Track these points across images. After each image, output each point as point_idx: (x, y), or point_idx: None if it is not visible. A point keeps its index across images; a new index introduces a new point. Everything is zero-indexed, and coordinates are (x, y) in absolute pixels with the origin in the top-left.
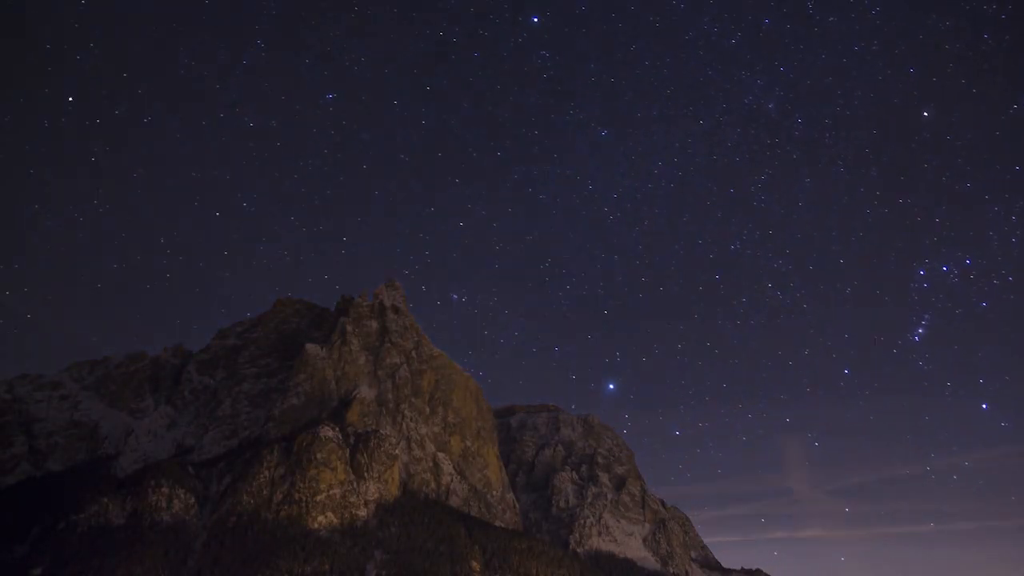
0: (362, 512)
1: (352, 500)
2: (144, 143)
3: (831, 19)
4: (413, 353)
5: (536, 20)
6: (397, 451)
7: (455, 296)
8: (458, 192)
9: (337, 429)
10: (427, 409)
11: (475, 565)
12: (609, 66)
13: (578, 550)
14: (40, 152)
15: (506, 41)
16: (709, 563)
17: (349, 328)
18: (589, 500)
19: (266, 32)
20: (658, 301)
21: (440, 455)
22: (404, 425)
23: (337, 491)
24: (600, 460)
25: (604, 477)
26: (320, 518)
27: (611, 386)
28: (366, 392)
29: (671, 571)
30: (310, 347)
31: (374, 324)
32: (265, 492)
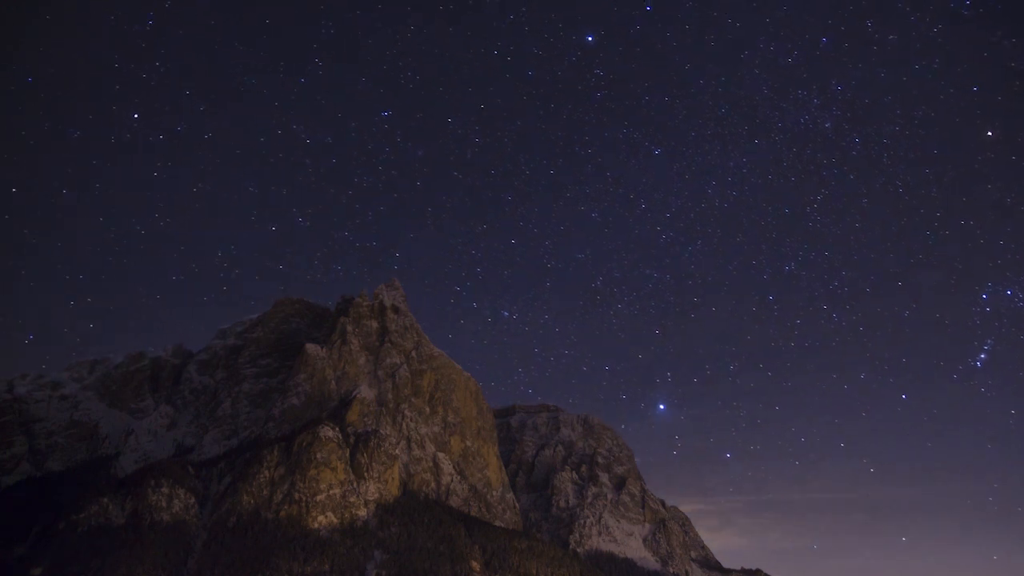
0: (362, 512)
1: (352, 500)
2: (204, 159)
3: (891, 37)
4: (413, 353)
5: (591, 39)
6: (397, 451)
7: (506, 313)
8: (511, 209)
9: (337, 429)
10: (427, 409)
11: (475, 565)
12: (663, 85)
13: (578, 550)
14: (106, 167)
15: (560, 60)
16: (709, 563)
17: (349, 328)
18: (589, 500)
19: (323, 50)
20: (710, 322)
21: (440, 455)
22: (404, 425)
23: (337, 491)
24: (600, 460)
25: (604, 477)
26: (320, 518)
27: (662, 407)
28: (366, 392)
29: (671, 571)
30: (310, 347)
31: (374, 324)
32: (265, 492)
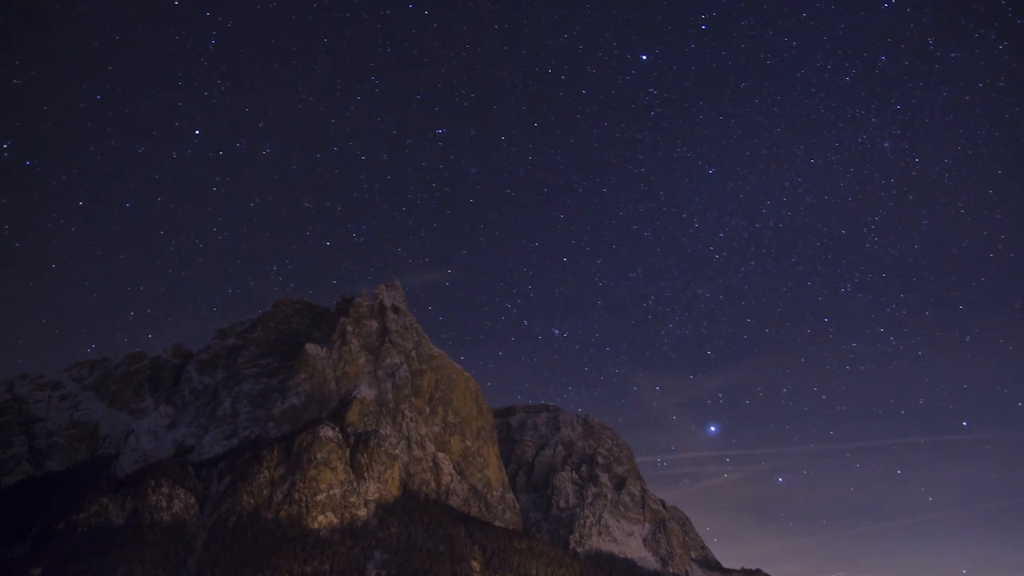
0: (362, 512)
1: (352, 500)
2: (262, 174)
3: (953, 55)
4: (413, 353)
5: (645, 57)
6: (397, 451)
7: (556, 331)
8: (563, 227)
9: (337, 429)
10: (427, 409)
11: (475, 565)
12: (718, 103)
13: (578, 550)
14: (167, 181)
15: (614, 78)
16: (709, 563)
17: (349, 328)
18: (589, 500)
19: (380, 68)
20: (763, 343)
21: (440, 455)
22: (404, 425)
23: (337, 491)
24: (600, 460)
25: (604, 477)
26: (320, 518)
27: (713, 429)
28: (366, 392)
29: (671, 571)
30: (310, 347)
31: (374, 324)
32: (265, 492)
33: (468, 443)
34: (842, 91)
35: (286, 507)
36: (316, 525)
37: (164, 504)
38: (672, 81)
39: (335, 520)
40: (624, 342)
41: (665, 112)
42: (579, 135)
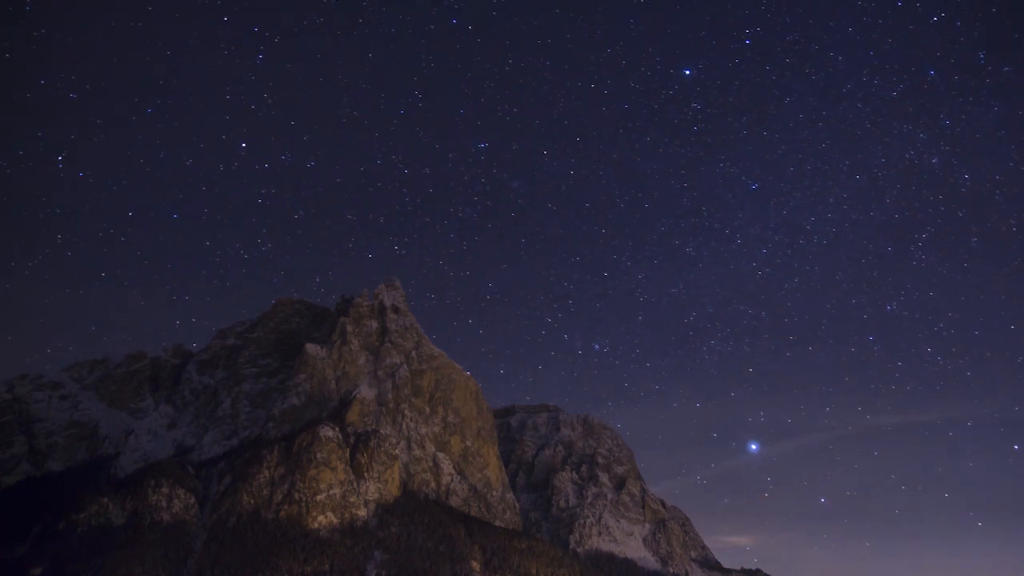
0: (362, 512)
1: (352, 500)
2: (306, 187)
3: (1005, 69)
4: (413, 353)
5: (688, 72)
6: (397, 451)
7: (596, 346)
8: (604, 242)
9: (337, 429)
10: (427, 409)
11: (475, 565)
12: (762, 119)
13: (578, 550)
14: (214, 193)
15: (657, 93)
16: (709, 563)
17: (349, 328)
18: (589, 500)
19: (423, 83)
20: (806, 361)
21: (440, 455)
22: (404, 425)
23: (337, 491)
24: (600, 460)
25: (604, 477)
26: (320, 518)
27: (754, 447)
28: (366, 392)
29: (671, 571)
30: (310, 347)
31: (374, 324)
32: (265, 492)
33: (468, 443)
34: (889, 106)
35: (286, 507)
36: (316, 525)
37: (164, 504)
38: (715, 96)
39: (335, 520)
40: (665, 358)
41: (708, 127)
42: (621, 150)
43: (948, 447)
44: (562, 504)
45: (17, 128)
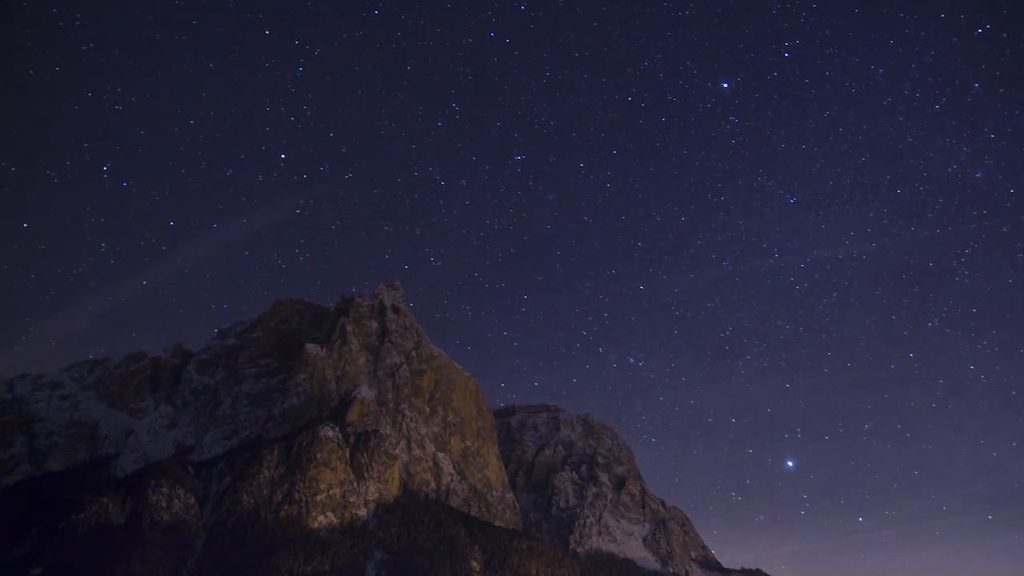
0: (362, 512)
1: (352, 500)
2: (344, 198)
3: None
4: (413, 353)
5: (726, 85)
6: (397, 451)
7: (632, 359)
8: (640, 255)
9: (337, 429)
10: (427, 409)
11: (475, 565)
12: (801, 132)
13: (578, 550)
14: (253, 203)
15: (695, 106)
16: (709, 563)
17: (349, 328)
18: (589, 500)
19: (461, 95)
20: (845, 377)
21: (440, 455)
22: (404, 425)
23: (337, 491)
24: (600, 460)
25: (604, 477)
26: (320, 518)
27: (790, 464)
28: (366, 392)
29: (671, 571)
30: (310, 347)
31: (374, 324)
32: (265, 492)
33: (468, 443)
34: (931, 119)
35: (286, 507)
36: (316, 525)
37: (164, 504)
38: (753, 109)
39: (335, 520)
40: (700, 372)
41: (746, 140)
42: (658, 163)
43: (993, 467)
44: (562, 504)
45: (64, 139)
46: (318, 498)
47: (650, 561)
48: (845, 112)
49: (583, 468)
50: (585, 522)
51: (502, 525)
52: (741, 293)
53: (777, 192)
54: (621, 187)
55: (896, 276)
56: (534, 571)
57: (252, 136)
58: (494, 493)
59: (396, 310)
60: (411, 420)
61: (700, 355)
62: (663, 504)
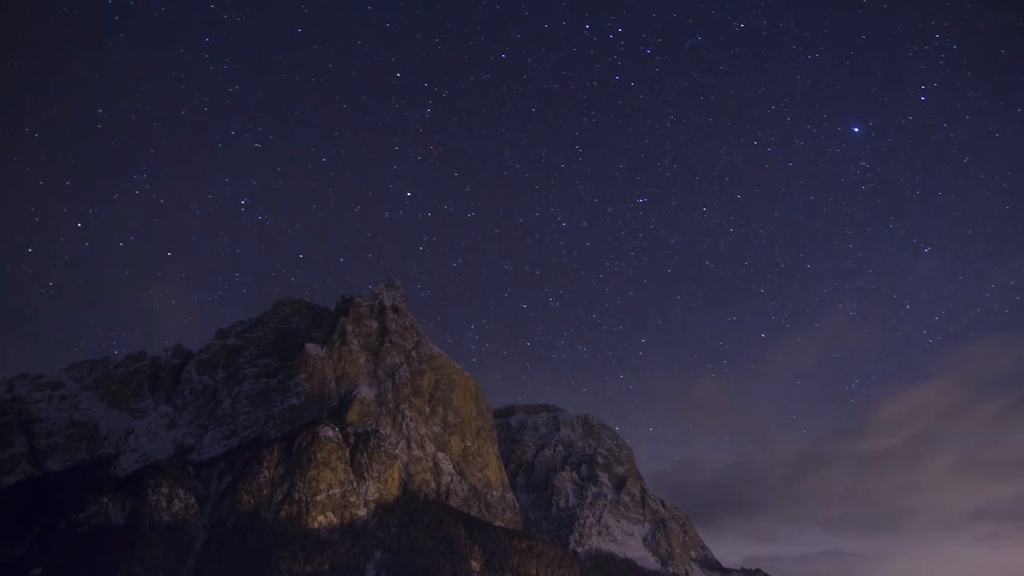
0: (362, 512)
1: (352, 500)
2: (466, 235)
3: None
4: (413, 353)
5: (857, 130)
6: (397, 451)
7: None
8: (762, 303)
9: (337, 429)
10: (427, 409)
11: (475, 565)
12: (936, 178)
13: (578, 550)
14: (379, 240)
15: (823, 151)
16: (709, 563)
17: (349, 328)
18: (589, 500)
19: (584, 138)
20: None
21: (440, 455)
22: (404, 425)
23: (337, 491)
24: (600, 460)
25: (604, 477)
26: (320, 518)
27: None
28: (366, 392)
29: (671, 571)
30: (310, 347)
31: (374, 324)
32: (265, 492)
33: (468, 443)
34: None
35: (286, 507)
36: (316, 525)
37: (164, 504)
38: (886, 155)
39: (335, 520)
40: (828, 428)
41: (877, 187)
42: (784, 208)
43: None
44: (562, 504)
45: (208, 174)
46: (318, 498)
47: (650, 561)
48: (986, 158)
49: (583, 468)
50: (585, 522)
51: (502, 525)
52: (869, 343)
53: (910, 240)
54: (744, 232)
55: None
56: (534, 571)
57: (380, 174)
58: (494, 493)
59: (396, 310)
60: (411, 420)
61: (825, 408)
62: (663, 504)
